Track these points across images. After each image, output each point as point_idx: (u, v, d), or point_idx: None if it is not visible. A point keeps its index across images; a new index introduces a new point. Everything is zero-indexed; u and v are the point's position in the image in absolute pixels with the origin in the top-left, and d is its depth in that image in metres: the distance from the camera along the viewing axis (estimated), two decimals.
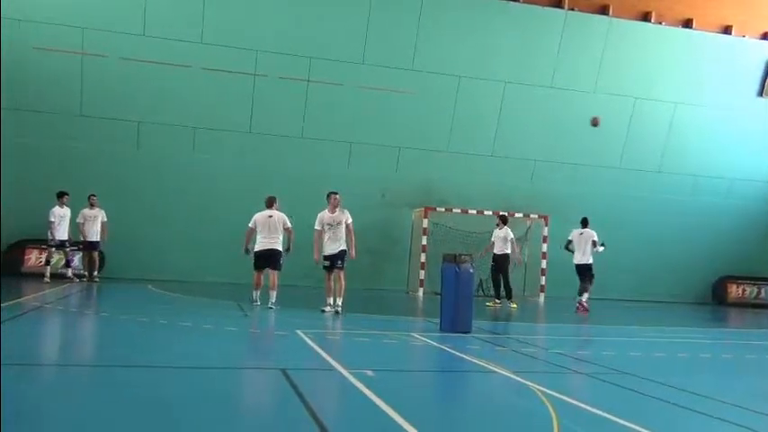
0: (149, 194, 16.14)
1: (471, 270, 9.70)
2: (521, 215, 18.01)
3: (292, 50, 16.37)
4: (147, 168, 16.17)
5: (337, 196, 10.95)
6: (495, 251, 14.22)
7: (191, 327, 8.79)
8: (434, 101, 17.48)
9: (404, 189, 17.79)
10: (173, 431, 4.01)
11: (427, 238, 17.18)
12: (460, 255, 10.01)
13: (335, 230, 10.86)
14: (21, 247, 15.39)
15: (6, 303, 9.63)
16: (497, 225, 14.65)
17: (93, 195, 14.50)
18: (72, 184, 15.08)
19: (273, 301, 11.03)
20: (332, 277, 10.93)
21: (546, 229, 17.94)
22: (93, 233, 14.32)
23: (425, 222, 17.25)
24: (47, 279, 13.83)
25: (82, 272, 14.81)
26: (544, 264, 17.84)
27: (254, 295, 11.34)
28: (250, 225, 11.33)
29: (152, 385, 5.26)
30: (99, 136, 15.81)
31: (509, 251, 14.28)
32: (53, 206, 13.97)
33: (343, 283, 10.88)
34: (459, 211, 17.27)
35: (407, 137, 17.55)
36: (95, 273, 14.58)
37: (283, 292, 10.96)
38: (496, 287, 14.38)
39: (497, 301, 14.28)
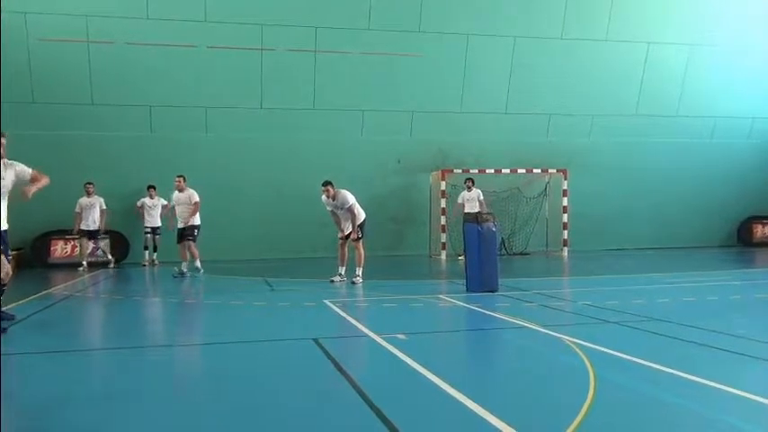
0: (166, 177, 16.16)
1: (494, 229, 9.68)
2: (539, 171, 17.86)
3: (297, 21, 16.16)
4: (162, 151, 16.20)
5: (328, 188, 10.79)
6: (468, 210, 14.74)
7: (220, 304, 8.89)
8: (444, 62, 17.23)
9: (419, 153, 17.67)
10: (219, 404, 4.08)
11: (446, 201, 17.13)
12: (482, 214, 9.98)
13: (341, 214, 11.00)
14: (46, 238, 15.63)
15: (46, 291, 9.83)
16: (467, 188, 15.89)
17: (90, 183, 14.66)
18: (90, 173, 15.22)
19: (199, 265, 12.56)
20: (346, 246, 11.01)
21: (565, 183, 17.77)
22: (91, 221, 14.51)
23: (443, 185, 17.19)
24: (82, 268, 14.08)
25: (107, 259, 15.05)
26: (566, 218, 17.72)
27: (182, 266, 12.40)
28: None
29: (192, 362, 5.35)
30: (112, 123, 15.83)
31: (478, 210, 14.90)
32: (144, 197, 15.26)
33: (361, 251, 10.90)
34: (476, 171, 17.14)
35: (419, 100, 17.37)
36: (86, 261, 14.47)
37: (308, 264, 10.99)
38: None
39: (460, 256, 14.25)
